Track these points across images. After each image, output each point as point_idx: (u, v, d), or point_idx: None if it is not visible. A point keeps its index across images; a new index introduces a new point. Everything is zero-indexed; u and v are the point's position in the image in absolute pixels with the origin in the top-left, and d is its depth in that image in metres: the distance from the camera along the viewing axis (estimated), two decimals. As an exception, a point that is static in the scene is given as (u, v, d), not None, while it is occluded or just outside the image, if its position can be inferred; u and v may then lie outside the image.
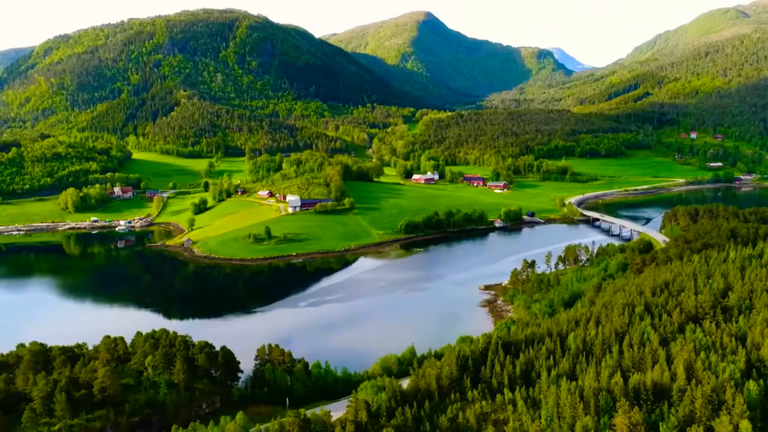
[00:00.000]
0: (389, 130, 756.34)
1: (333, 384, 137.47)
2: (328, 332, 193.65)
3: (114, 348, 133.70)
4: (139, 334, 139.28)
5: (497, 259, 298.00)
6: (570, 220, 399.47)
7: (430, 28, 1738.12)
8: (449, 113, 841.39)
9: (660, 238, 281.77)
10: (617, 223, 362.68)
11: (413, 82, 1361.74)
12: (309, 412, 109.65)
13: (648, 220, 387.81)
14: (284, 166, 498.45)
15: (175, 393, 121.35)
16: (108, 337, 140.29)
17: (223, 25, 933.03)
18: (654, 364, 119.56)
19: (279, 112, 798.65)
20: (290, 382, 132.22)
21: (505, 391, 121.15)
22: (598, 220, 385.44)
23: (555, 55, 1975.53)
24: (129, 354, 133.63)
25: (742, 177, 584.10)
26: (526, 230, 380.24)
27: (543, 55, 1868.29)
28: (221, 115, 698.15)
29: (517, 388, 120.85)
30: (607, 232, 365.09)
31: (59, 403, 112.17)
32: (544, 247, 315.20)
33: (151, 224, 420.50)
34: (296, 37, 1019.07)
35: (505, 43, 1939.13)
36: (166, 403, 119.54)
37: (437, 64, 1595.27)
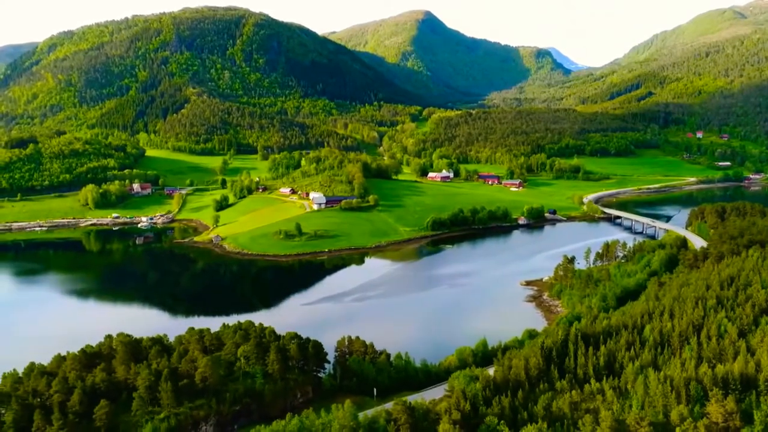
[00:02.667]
0: (398, 128, 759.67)
1: (414, 375, 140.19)
2: (382, 326, 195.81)
3: (201, 339, 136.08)
4: (225, 325, 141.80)
5: (529, 256, 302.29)
6: (591, 218, 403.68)
7: (429, 27, 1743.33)
8: (458, 112, 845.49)
9: (690, 236, 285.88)
10: (641, 221, 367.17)
11: (414, 81, 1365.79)
12: (412, 401, 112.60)
13: (669, 218, 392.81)
14: (303, 163, 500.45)
15: (272, 383, 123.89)
16: (192, 328, 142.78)
17: (230, 23, 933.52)
18: (736, 355, 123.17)
19: (287, 110, 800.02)
20: (375, 373, 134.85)
21: (592, 381, 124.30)
22: (619, 217, 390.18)
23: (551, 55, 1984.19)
24: (216, 345, 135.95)
25: (751, 176, 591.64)
26: (549, 228, 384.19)
27: (541, 54, 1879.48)
28: (232, 113, 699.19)
29: (604, 378, 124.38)
30: (629, 229, 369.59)
31: (165, 392, 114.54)
32: (571, 244, 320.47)
33: (172, 221, 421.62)
34: (301, 35, 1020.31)
35: (502, 43, 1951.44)
36: (264, 392, 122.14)
37: (437, 63, 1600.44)
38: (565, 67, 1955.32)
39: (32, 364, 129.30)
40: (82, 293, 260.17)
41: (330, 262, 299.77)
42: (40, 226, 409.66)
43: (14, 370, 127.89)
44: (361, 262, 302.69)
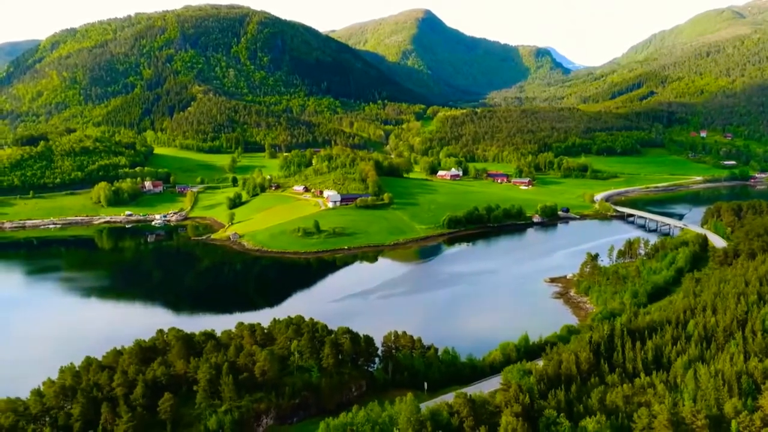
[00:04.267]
0: (404, 126, 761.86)
1: (461, 369, 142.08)
2: (413, 322, 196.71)
3: (252, 333, 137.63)
4: (275, 320, 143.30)
5: (548, 254, 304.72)
6: (603, 216, 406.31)
7: (429, 26, 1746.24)
8: (463, 110, 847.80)
9: (709, 234, 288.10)
10: (655, 219, 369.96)
11: (415, 80, 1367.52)
12: (472, 394, 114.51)
13: (681, 216, 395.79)
14: (314, 161, 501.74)
15: (327, 377, 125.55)
16: (242, 323, 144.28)
17: (234, 21, 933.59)
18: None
19: (293, 108, 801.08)
20: (425, 367, 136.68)
21: (642, 375, 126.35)
22: (632, 216, 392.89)
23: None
24: (268, 339, 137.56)
25: (756, 175, 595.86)
26: (562, 226, 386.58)
27: (541, 53, 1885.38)
28: (239, 111, 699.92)
29: (653, 372, 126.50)
30: (643, 227, 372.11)
31: (227, 386, 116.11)
32: (588, 242, 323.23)
33: (185, 218, 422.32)
34: (305, 33, 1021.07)
35: (501, 42, 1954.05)
36: (321, 386, 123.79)
37: (437, 62, 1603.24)
38: (564, 66, 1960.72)
39: (89, 358, 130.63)
40: (106, 291, 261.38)
41: (350, 259, 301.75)
42: (53, 224, 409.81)
43: (71, 364, 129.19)
44: (379, 259, 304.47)
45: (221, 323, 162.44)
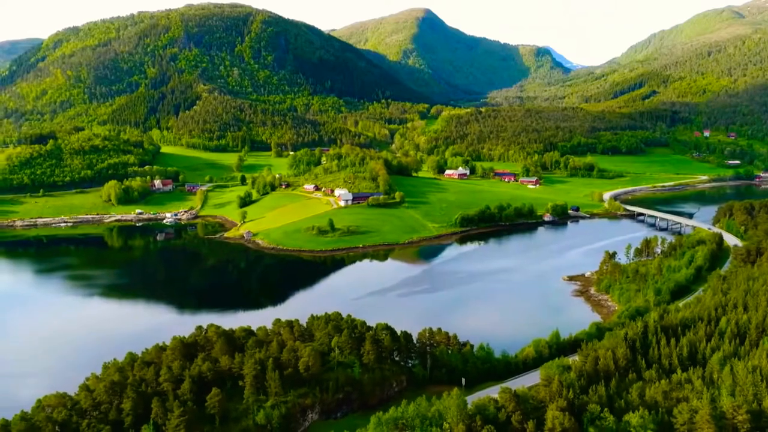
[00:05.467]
0: (408, 125, 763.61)
1: (496, 365, 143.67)
2: (439, 319, 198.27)
3: (291, 330, 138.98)
4: (313, 316, 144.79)
5: (562, 252, 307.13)
6: (612, 215, 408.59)
7: (429, 25, 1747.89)
8: (467, 110, 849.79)
9: (723, 233, 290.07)
10: (665, 218, 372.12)
11: (416, 79, 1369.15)
12: (517, 389, 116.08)
13: (691, 215, 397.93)
14: (323, 160, 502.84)
15: (369, 372, 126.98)
16: (279, 320, 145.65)
17: (237, 20, 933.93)
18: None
19: (297, 107, 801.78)
20: (462, 363, 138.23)
21: (678, 371, 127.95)
22: (642, 215, 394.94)
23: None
24: (306, 336, 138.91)
25: (761, 174, 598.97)
26: (573, 225, 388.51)
27: (541, 53, 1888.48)
28: (244, 110, 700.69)
29: (689, 368, 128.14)
30: (653, 226, 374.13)
31: (273, 381, 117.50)
32: (601, 240, 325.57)
33: (196, 217, 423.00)
34: (308, 32, 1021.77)
35: (499, 41, 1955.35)
36: (364, 381, 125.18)
37: (437, 61, 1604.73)
38: (563, 66, 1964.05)
39: (131, 353, 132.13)
40: (129, 289, 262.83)
41: (365, 258, 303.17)
42: (64, 222, 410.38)
43: (115, 360, 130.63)
44: (396, 257, 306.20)
45: (248, 320, 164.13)
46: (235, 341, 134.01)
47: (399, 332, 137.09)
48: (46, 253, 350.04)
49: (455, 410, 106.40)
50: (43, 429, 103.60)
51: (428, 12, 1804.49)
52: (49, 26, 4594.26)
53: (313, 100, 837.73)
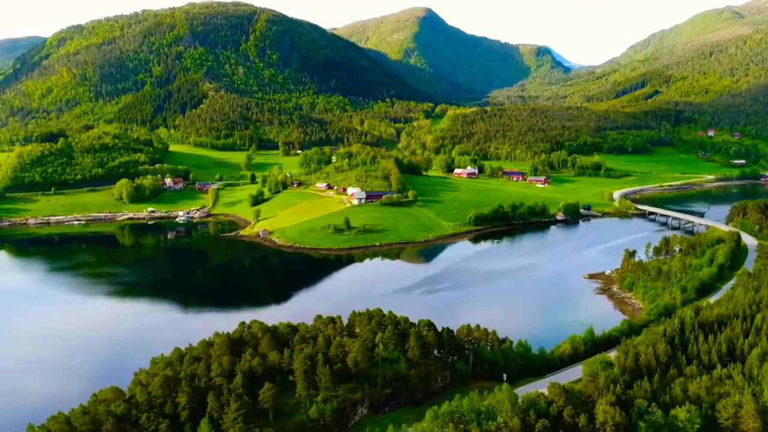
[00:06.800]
0: (414, 124, 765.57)
1: (535, 361, 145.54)
2: (467, 316, 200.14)
3: (334, 326, 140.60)
4: (355, 312, 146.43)
5: (579, 251, 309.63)
6: (624, 214, 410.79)
7: (430, 24, 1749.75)
8: (472, 109, 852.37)
9: (742, 234, 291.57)
10: (678, 217, 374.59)
11: (417, 78, 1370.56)
12: (565, 383, 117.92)
13: (702, 214, 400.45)
14: (334, 159, 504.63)
15: (415, 368, 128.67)
16: (320, 316, 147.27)
17: (242, 18, 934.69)
18: None
19: (302, 106, 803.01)
20: (503, 359, 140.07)
21: (718, 366, 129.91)
22: (653, 213, 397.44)
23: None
24: (347, 331, 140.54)
25: (767, 174, 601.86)
26: (585, 223, 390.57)
27: (541, 52, 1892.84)
28: (251, 108, 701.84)
29: (729, 363, 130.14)
30: (665, 225, 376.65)
31: (324, 376, 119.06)
32: (615, 239, 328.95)
33: (208, 215, 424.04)
34: (312, 31, 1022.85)
35: (499, 40, 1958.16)
36: (410, 377, 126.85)
37: (438, 60, 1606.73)
38: (563, 65, 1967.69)
39: (178, 349, 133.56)
40: (144, 287, 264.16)
41: (382, 256, 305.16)
42: (77, 220, 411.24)
43: (162, 354, 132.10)
44: (413, 255, 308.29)
45: (279, 316, 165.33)
46: (279, 337, 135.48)
47: (442, 329, 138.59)
48: (58, 251, 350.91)
49: (508, 405, 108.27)
50: (104, 423, 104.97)
51: (429, 11, 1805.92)
52: (50, 24, 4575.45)
53: (319, 98, 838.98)
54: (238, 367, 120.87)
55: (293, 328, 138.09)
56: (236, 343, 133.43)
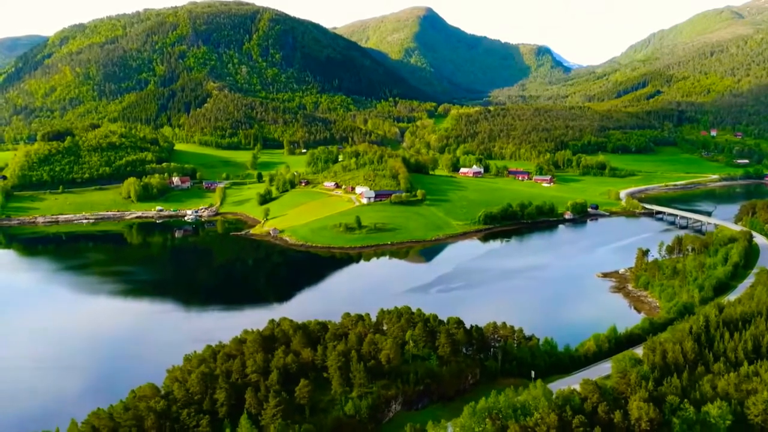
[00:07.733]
0: (418, 124, 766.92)
1: (562, 358, 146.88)
2: (486, 315, 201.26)
3: (363, 323, 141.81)
4: (383, 310, 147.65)
5: (590, 250, 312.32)
6: (631, 213, 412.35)
7: (430, 24, 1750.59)
8: (476, 108, 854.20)
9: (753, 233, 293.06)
10: (686, 216, 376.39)
11: (418, 77, 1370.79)
12: (596, 380, 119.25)
13: (709, 213, 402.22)
14: (341, 158, 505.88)
15: (446, 365, 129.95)
16: (348, 314, 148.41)
17: (245, 17, 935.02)
18: None
19: (306, 105, 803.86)
20: (530, 357, 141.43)
21: (745, 363, 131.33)
22: (661, 212, 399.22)
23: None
24: (376, 329, 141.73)
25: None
26: (593, 222, 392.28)
27: (541, 52, 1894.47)
28: (255, 108, 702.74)
29: (756, 361, 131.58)
30: (673, 224, 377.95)
31: (358, 373, 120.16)
32: (624, 238, 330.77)
33: (216, 214, 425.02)
34: (314, 30, 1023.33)
35: (500, 40, 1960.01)
36: (442, 374, 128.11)
37: (439, 60, 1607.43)
38: (563, 65, 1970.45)
39: (210, 346, 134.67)
40: (161, 285, 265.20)
41: (394, 255, 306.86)
42: (86, 219, 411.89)
43: (195, 351, 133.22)
44: (424, 254, 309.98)
45: (299, 313, 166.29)
46: (310, 334, 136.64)
47: (471, 326, 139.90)
48: (66, 250, 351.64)
49: (544, 401, 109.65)
50: (146, 419, 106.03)
51: (429, 10, 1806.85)
52: (50, 23, 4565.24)
53: (322, 98, 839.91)
54: (273, 364, 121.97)
55: (323, 326, 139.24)
56: (268, 341, 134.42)
